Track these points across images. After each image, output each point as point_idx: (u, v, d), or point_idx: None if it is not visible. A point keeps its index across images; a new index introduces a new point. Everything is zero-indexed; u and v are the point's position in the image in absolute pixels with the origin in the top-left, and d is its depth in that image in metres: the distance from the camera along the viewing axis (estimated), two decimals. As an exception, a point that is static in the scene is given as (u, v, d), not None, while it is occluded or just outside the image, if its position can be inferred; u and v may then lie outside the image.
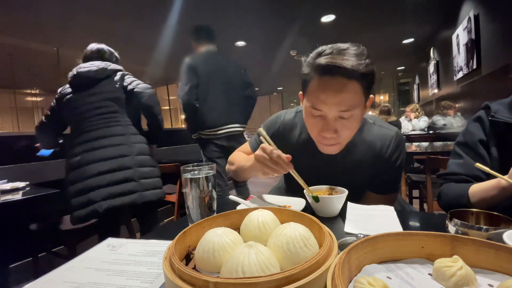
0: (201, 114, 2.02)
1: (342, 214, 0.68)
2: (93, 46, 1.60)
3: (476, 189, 0.68)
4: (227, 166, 1.00)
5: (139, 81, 1.54)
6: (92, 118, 1.43)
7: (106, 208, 1.31)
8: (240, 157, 0.92)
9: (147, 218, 1.63)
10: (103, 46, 1.61)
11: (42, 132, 1.70)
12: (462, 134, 0.80)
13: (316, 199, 0.67)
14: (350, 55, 0.64)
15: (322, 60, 0.64)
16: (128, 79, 1.53)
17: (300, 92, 0.77)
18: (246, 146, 1.02)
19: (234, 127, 2.08)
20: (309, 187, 0.73)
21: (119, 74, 1.52)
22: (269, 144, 0.70)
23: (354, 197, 0.73)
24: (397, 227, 0.57)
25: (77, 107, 1.47)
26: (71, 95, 1.51)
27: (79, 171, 1.39)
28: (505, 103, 0.73)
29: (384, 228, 0.57)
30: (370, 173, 0.83)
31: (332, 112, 0.67)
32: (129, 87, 1.49)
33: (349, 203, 0.71)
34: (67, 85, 1.57)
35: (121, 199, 1.34)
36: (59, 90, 1.60)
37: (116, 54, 1.66)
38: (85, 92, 1.48)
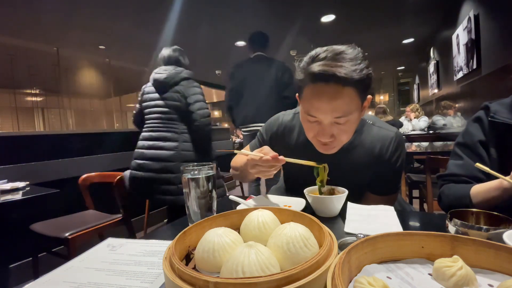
0: (235, 114, 2.41)
1: (342, 214, 0.68)
2: (166, 52, 1.80)
3: (478, 190, 0.67)
4: (232, 171, 1.00)
5: (197, 97, 1.68)
6: (155, 120, 1.69)
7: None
8: (241, 161, 0.91)
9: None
10: (176, 53, 1.81)
11: (136, 117, 1.96)
12: (461, 135, 0.80)
13: (318, 169, 0.70)
14: (344, 61, 0.62)
15: (316, 68, 0.63)
16: (190, 91, 1.67)
17: (297, 94, 0.77)
18: (247, 149, 1.02)
19: (258, 126, 2.30)
20: (308, 187, 0.73)
21: (184, 83, 1.68)
22: (254, 154, 0.70)
23: (354, 198, 0.73)
24: (397, 227, 0.57)
25: (148, 107, 1.74)
26: (148, 94, 1.76)
27: (138, 163, 1.69)
28: (505, 104, 0.72)
29: (384, 228, 0.57)
30: (370, 174, 0.82)
31: (327, 119, 0.66)
32: (188, 100, 1.65)
33: (349, 203, 0.71)
34: (149, 83, 1.78)
35: (163, 197, 1.61)
36: (143, 86, 1.86)
37: (187, 59, 1.89)
38: (156, 94, 1.71)
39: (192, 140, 1.70)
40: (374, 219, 0.61)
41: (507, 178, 0.57)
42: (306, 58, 0.68)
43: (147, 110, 1.75)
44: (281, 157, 0.66)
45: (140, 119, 1.88)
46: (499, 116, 0.70)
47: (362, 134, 0.82)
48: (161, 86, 1.69)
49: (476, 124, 0.77)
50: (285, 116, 0.93)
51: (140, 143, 1.74)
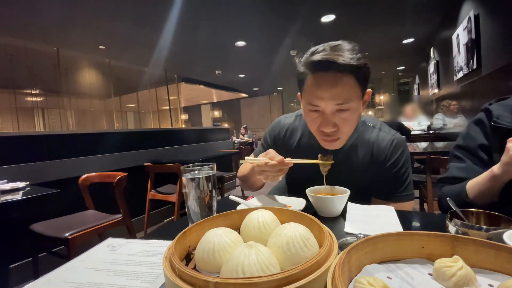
0: None
1: (343, 214, 0.68)
2: None
3: (473, 183, 0.67)
4: (240, 182, 1.00)
5: None
6: None
7: None
8: (247, 170, 0.91)
9: None
10: None
11: None
12: (462, 138, 0.78)
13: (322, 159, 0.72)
14: (342, 50, 0.66)
15: (315, 57, 0.66)
16: None
17: (299, 93, 0.78)
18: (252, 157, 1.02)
19: None
20: (310, 187, 0.73)
21: None
22: (259, 160, 0.70)
23: (358, 201, 0.72)
24: (397, 227, 0.57)
25: None
26: None
27: None
28: (507, 106, 0.70)
29: (384, 228, 0.57)
30: (370, 177, 0.81)
31: (329, 106, 0.68)
32: None
33: (349, 203, 0.70)
34: None
35: None
36: None
37: None
38: None
39: None
40: (374, 219, 0.61)
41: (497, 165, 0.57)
42: (306, 54, 0.72)
43: None
44: (287, 159, 0.67)
45: None
46: (502, 120, 0.68)
47: (363, 136, 0.82)
48: None
49: (477, 127, 0.75)
50: (286, 119, 0.94)
51: None
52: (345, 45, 0.68)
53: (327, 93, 0.66)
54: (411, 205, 0.82)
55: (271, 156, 0.68)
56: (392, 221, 0.60)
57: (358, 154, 0.81)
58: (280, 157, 0.67)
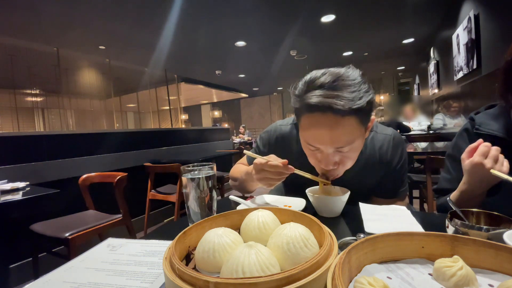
0: None
1: (343, 214, 0.68)
2: None
3: (454, 198, 0.68)
4: (231, 182, 0.98)
5: None
6: None
7: None
8: (241, 171, 0.88)
9: None
10: None
11: None
12: (451, 146, 0.81)
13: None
14: (343, 88, 0.58)
15: (312, 99, 0.59)
16: None
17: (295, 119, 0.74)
18: (244, 160, 1.01)
19: None
20: (310, 187, 0.73)
21: None
22: (261, 157, 0.68)
23: (358, 199, 0.72)
24: (416, 226, 0.55)
25: None
26: None
27: None
28: (490, 114, 0.73)
29: (405, 226, 0.55)
30: (373, 181, 0.82)
31: (328, 149, 0.64)
32: None
33: (361, 204, 0.68)
34: None
35: None
36: None
37: None
38: None
39: None
40: (391, 219, 0.60)
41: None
42: (300, 85, 0.64)
43: None
44: (290, 166, 0.65)
45: None
46: (483, 128, 0.71)
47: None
48: None
49: (463, 137, 0.78)
50: (282, 127, 0.90)
51: None
52: (347, 77, 0.60)
53: (326, 136, 0.61)
54: (406, 201, 0.85)
55: (273, 159, 0.67)
56: (410, 220, 0.59)
57: (360, 161, 0.78)
58: (283, 160, 0.65)
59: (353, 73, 0.61)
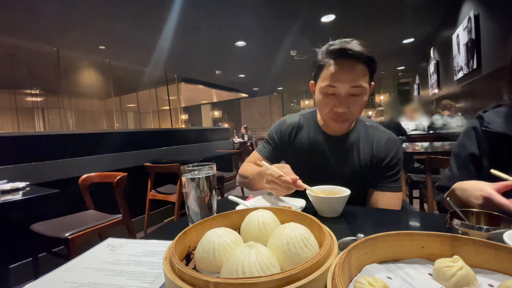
0: None
1: (343, 214, 0.68)
2: None
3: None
4: (239, 179, 1.01)
5: None
6: None
7: None
8: (252, 170, 0.93)
9: None
10: None
11: None
12: (457, 145, 0.82)
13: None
14: (356, 44, 0.78)
15: (337, 45, 0.78)
16: None
17: (312, 82, 0.88)
18: (255, 155, 1.02)
19: None
20: (311, 187, 0.73)
21: None
22: (275, 169, 0.72)
23: (358, 197, 0.76)
24: None
25: None
26: None
27: None
28: (500, 112, 0.74)
29: None
30: (371, 171, 0.87)
31: (345, 88, 0.77)
32: None
33: None
34: None
35: None
36: None
37: None
38: None
39: None
40: None
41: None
42: (323, 47, 0.83)
43: None
44: (299, 182, 0.68)
45: None
46: (492, 126, 0.71)
47: (364, 131, 0.90)
48: None
49: (470, 134, 0.78)
50: (290, 118, 1.00)
51: None
52: (357, 41, 0.79)
53: (345, 76, 0.77)
54: (401, 197, 0.88)
55: (286, 172, 0.70)
56: None
57: (361, 147, 0.89)
58: (294, 176, 0.68)
59: (361, 41, 0.80)
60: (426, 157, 1.56)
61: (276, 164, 0.76)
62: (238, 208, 0.71)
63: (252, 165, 0.98)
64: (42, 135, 2.20)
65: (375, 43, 5.29)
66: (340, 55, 0.77)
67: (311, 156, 0.91)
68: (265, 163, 0.78)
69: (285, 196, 0.83)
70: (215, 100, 12.22)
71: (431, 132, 4.12)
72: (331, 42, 0.82)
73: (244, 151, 4.00)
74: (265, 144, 1.01)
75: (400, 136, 3.80)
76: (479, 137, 0.75)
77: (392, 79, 10.47)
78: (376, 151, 0.87)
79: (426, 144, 2.85)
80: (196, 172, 0.61)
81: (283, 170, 0.70)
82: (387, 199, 0.84)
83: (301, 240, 0.36)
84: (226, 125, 9.19)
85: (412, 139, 3.37)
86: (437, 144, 2.77)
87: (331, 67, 0.79)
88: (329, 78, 0.79)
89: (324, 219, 0.63)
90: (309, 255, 0.36)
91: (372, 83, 0.83)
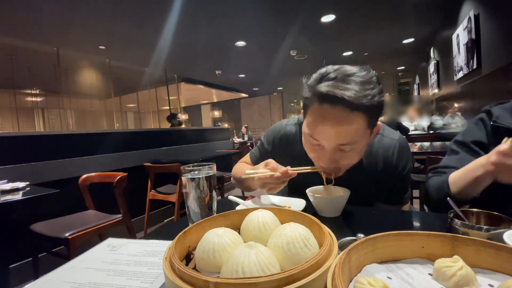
0: None
1: (343, 214, 0.68)
2: None
3: (457, 174, 0.67)
4: (233, 180, 0.99)
5: None
6: None
7: None
8: (243, 170, 0.86)
9: None
10: None
11: None
12: (461, 134, 0.80)
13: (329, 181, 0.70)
14: (354, 83, 0.57)
15: (323, 88, 0.58)
16: None
17: (302, 111, 0.73)
18: (246, 159, 1.01)
19: None
20: (310, 187, 0.73)
21: None
22: (262, 172, 0.67)
23: (358, 197, 0.71)
24: None
25: None
26: None
27: None
28: (507, 108, 0.73)
29: None
30: (377, 184, 0.80)
31: (330, 145, 0.62)
32: None
33: None
34: None
35: None
36: None
37: None
38: None
39: None
40: None
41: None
42: (315, 75, 0.64)
43: None
44: (290, 170, 0.64)
45: None
46: (501, 121, 0.70)
47: (369, 146, 0.79)
48: None
49: (477, 126, 0.77)
50: (287, 127, 0.90)
51: None
52: (361, 75, 0.59)
53: (330, 131, 0.60)
54: (408, 205, 0.84)
55: (273, 167, 0.66)
56: None
57: (365, 165, 0.78)
58: (283, 168, 0.64)
59: (367, 74, 0.60)
60: (426, 157, 1.56)
61: (260, 164, 0.70)
62: (238, 208, 0.71)
63: (244, 165, 0.97)
64: (42, 135, 2.20)
65: (375, 43, 5.29)
66: (327, 100, 0.58)
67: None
68: (250, 172, 0.69)
69: (285, 196, 0.83)
70: (215, 100, 12.22)
71: (431, 132, 4.12)
72: (324, 71, 0.62)
73: (244, 151, 4.00)
74: (257, 150, 0.97)
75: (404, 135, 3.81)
76: (488, 130, 0.74)
77: (392, 79, 10.47)
78: (384, 163, 0.78)
79: (426, 144, 2.85)
80: (196, 172, 0.61)
81: (269, 167, 0.66)
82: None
83: (301, 240, 0.36)
84: (226, 125, 9.20)
85: (412, 139, 3.37)
86: (437, 144, 2.77)
87: (315, 113, 0.62)
88: (312, 128, 0.63)
89: (324, 219, 0.63)
90: (309, 255, 0.36)
91: (379, 123, 0.67)
